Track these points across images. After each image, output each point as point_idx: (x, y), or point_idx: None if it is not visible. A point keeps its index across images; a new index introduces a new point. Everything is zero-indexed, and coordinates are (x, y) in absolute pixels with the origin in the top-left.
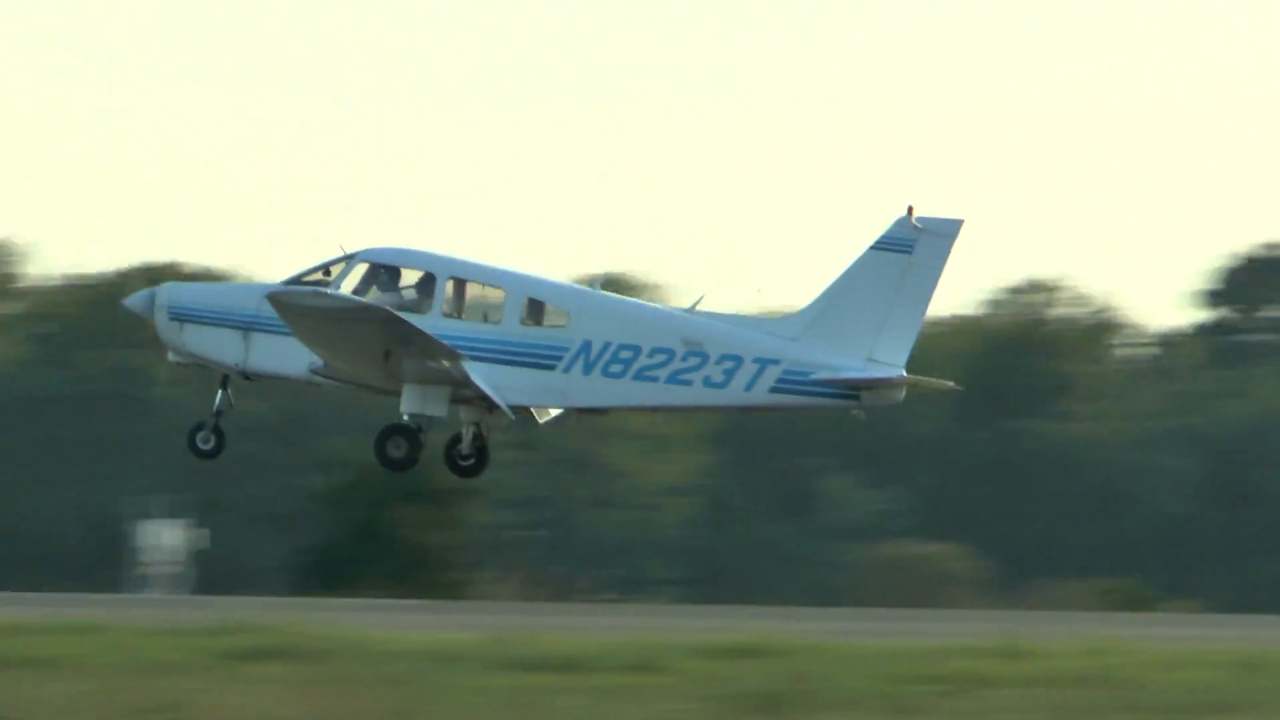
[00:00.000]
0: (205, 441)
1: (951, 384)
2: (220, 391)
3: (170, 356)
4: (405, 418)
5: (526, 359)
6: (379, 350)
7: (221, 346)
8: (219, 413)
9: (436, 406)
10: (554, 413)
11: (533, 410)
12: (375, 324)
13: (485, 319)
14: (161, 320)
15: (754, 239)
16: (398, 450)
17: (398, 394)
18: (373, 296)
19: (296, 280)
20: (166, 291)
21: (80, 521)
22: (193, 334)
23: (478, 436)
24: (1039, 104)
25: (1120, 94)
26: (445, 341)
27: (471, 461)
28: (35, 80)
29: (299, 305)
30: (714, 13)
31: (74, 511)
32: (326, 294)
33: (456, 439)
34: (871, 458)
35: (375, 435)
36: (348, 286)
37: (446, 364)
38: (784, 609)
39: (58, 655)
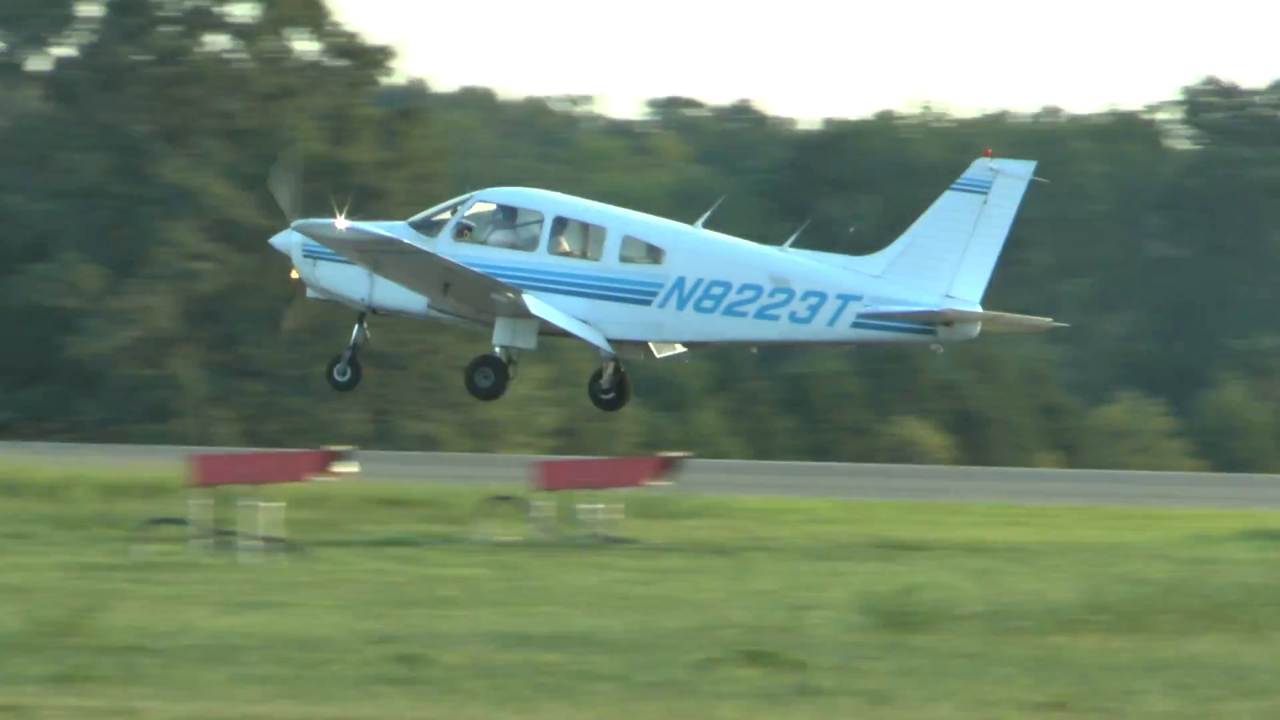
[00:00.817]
0: (342, 374)
1: (1050, 320)
2: (357, 327)
3: (309, 293)
4: (496, 349)
5: (623, 294)
6: (435, 281)
7: (350, 283)
8: (355, 346)
9: (526, 339)
10: (668, 350)
11: (651, 346)
12: (397, 255)
13: (585, 256)
14: (297, 257)
15: None
16: (485, 380)
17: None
18: (486, 234)
19: (427, 219)
20: (300, 229)
21: None
22: (325, 270)
23: (617, 370)
24: None
25: None
26: (545, 277)
27: (612, 395)
28: None
29: (317, 234)
30: None
31: None
32: (335, 224)
33: (599, 374)
34: None
35: (467, 365)
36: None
37: (510, 296)
38: None
39: None
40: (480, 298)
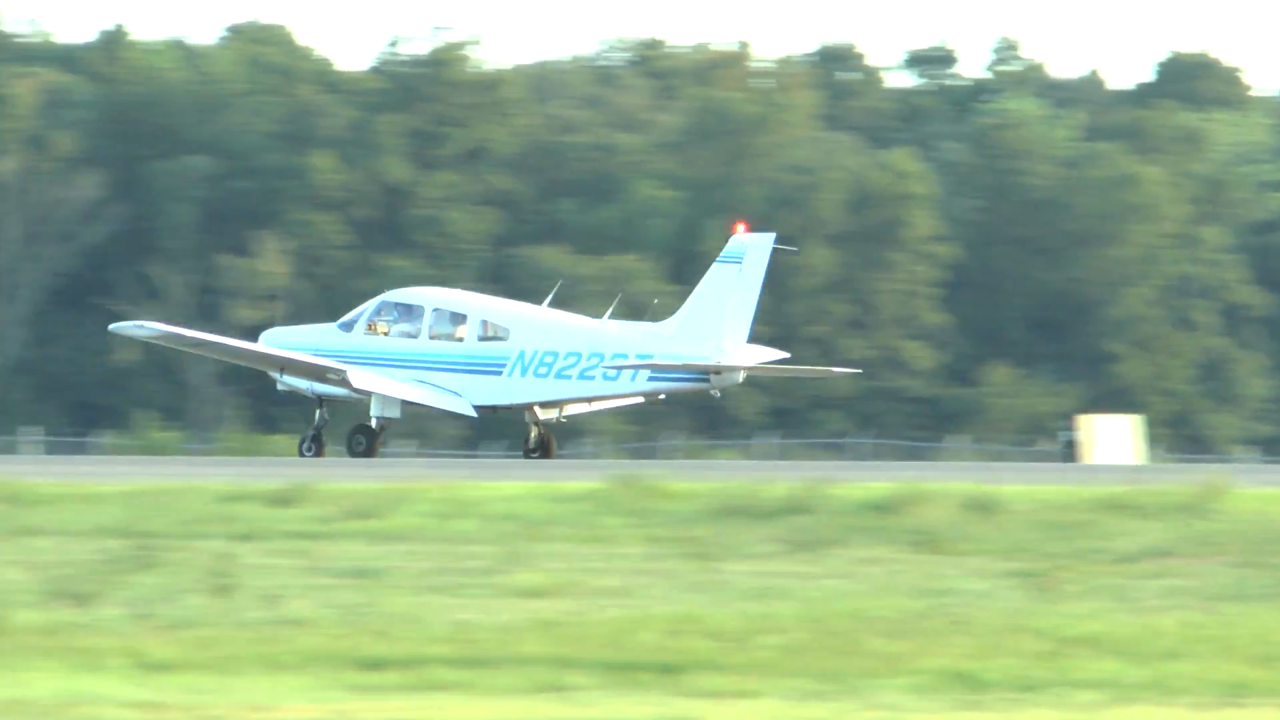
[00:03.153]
0: (308, 450)
1: (837, 370)
2: (317, 410)
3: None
4: (373, 420)
5: (482, 368)
6: (270, 365)
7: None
8: (316, 427)
9: (392, 410)
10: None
11: (538, 408)
12: (196, 345)
13: (454, 338)
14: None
15: None
16: (359, 446)
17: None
18: (388, 327)
19: (349, 320)
20: (116, 330)
21: None
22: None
23: (540, 433)
24: None
25: None
26: (426, 359)
27: (537, 453)
28: None
29: (125, 333)
30: None
31: None
32: (139, 325)
33: (527, 437)
34: None
35: (347, 432)
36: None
37: (334, 376)
38: None
39: None
40: (313, 376)
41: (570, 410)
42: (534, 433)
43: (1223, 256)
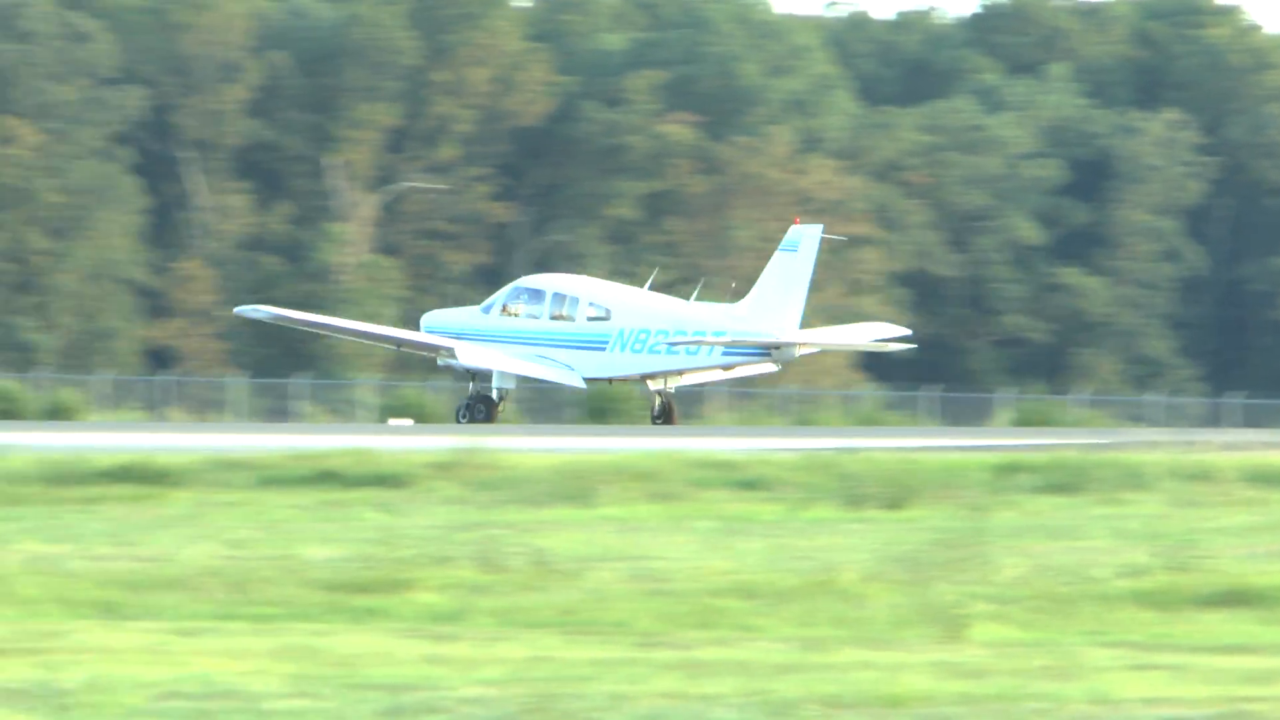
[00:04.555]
0: (463, 418)
1: (884, 344)
2: (470, 383)
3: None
4: (494, 392)
5: (588, 344)
6: (384, 342)
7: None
8: (471, 397)
9: (508, 383)
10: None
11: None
12: (318, 327)
13: (566, 318)
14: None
15: None
16: (479, 414)
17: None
18: (516, 309)
19: (488, 304)
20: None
21: None
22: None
23: (664, 402)
24: None
25: None
26: (546, 336)
27: (661, 420)
28: None
29: (246, 315)
30: None
31: None
32: (259, 309)
33: (652, 406)
34: None
35: (463, 402)
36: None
37: (444, 351)
38: None
39: None
40: (427, 351)
41: (679, 382)
42: (658, 401)
43: None
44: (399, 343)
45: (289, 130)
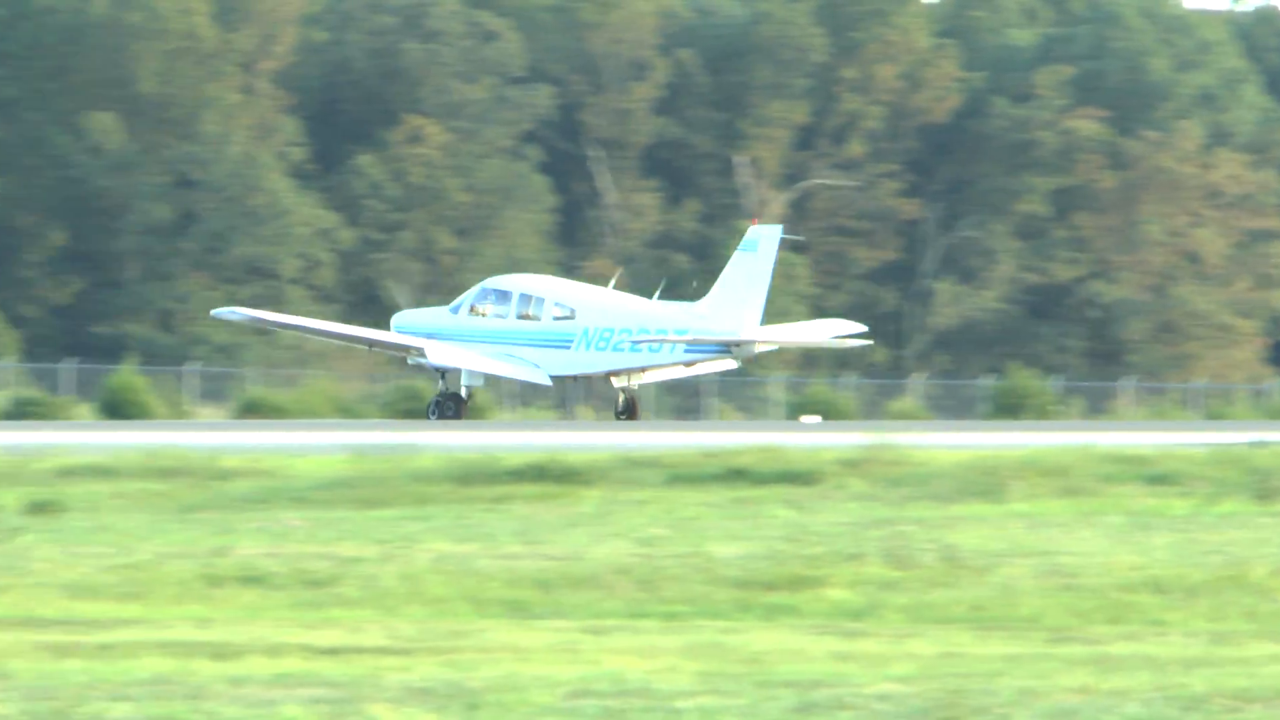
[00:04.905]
0: (433, 414)
1: (838, 342)
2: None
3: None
4: (463, 390)
5: (554, 343)
6: (356, 342)
7: None
8: (440, 394)
9: (476, 380)
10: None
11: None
12: (285, 328)
13: (532, 318)
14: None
15: None
16: (448, 411)
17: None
18: (484, 309)
19: (457, 304)
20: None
21: None
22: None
23: (627, 398)
24: None
25: None
26: (513, 336)
27: (625, 416)
28: None
29: (221, 317)
30: None
31: None
32: (233, 311)
33: (616, 401)
34: None
35: (433, 400)
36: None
37: (413, 351)
38: None
39: None
40: (398, 351)
41: (640, 380)
42: (621, 398)
43: None
44: (370, 343)
45: (697, 128)
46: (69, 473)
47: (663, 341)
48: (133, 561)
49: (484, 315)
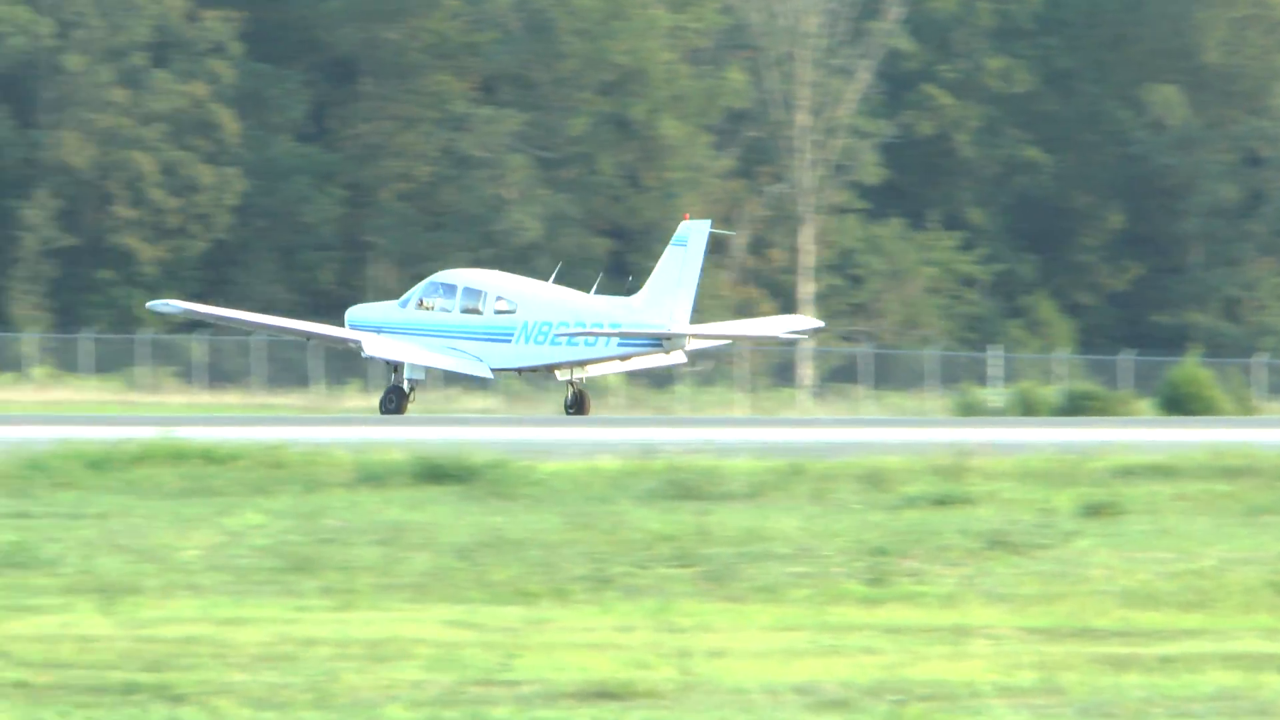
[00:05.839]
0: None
1: (780, 333)
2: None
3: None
4: (405, 383)
5: (496, 336)
6: (296, 334)
7: None
8: (393, 387)
9: (418, 374)
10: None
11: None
12: (226, 321)
13: (476, 312)
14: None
15: None
16: (390, 405)
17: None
18: (431, 304)
19: (405, 299)
20: (151, 308)
21: None
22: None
23: (576, 392)
24: None
25: None
26: (456, 330)
27: (574, 410)
28: None
29: (159, 311)
30: None
31: None
32: (170, 304)
33: (566, 395)
34: None
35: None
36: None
37: (352, 344)
38: None
39: None
40: (336, 344)
41: (584, 373)
42: (570, 391)
43: None
44: (308, 335)
45: None
46: (1127, 472)
47: (596, 335)
48: (1196, 568)
49: (430, 309)
